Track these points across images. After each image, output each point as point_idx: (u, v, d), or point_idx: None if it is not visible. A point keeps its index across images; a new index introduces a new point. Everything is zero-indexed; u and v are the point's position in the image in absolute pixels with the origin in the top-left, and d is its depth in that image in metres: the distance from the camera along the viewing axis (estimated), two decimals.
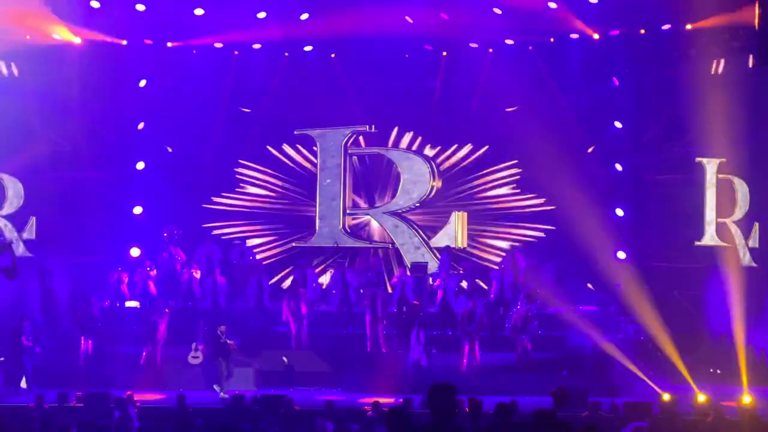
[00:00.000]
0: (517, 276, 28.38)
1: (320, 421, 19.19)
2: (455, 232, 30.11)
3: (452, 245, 29.95)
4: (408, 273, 28.95)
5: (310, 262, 29.36)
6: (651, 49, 28.50)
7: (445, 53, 30.20)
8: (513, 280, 28.25)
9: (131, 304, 28.08)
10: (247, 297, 28.30)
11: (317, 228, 30.59)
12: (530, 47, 29.70)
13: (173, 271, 28.83)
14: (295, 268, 28.97)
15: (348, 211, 30.67)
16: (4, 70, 28.40)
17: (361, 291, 27.96)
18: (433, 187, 30.36)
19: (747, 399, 22.38)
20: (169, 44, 29.97)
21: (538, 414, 10.61)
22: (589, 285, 29.09)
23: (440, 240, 30.18)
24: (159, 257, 29.17)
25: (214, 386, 24.72)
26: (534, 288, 27.09)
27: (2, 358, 25.54)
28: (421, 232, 30.47)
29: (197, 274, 28.32)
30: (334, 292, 28.35)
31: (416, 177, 30.42)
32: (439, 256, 29.66)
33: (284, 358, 25.97)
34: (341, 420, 19.37)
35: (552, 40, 29.43)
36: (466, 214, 30.32)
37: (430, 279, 29.07)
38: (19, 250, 28.41)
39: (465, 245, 30.21)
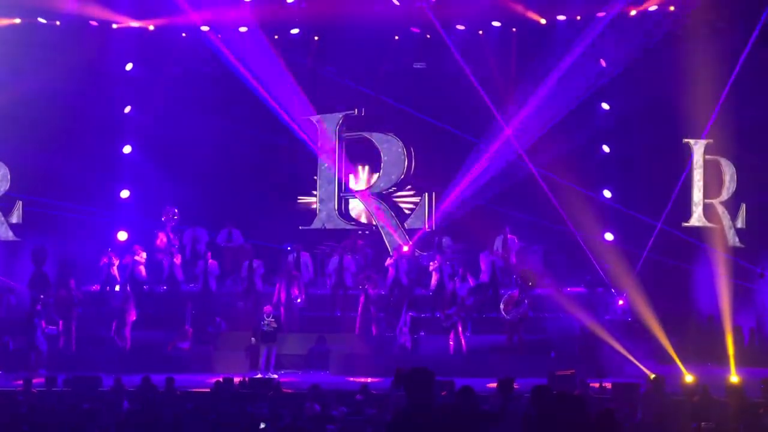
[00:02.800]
0: (509, 258, 28.38)
1: (309, 404, 19.21)
2: (425, 213, 30.29)
3: (424, 227, 30.07)
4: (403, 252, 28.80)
5: (303, 245, 29.32)
6: (638, 30, 28.46)
7: (428, 36, 30.11)
8: (504, 262, 28.24)
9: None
10: (239, 280, 28.32)
11: (318, 211, 30.65)
12: (514, 29, 29.63)
13: (161, 255, 28.86)
14: (290, 251, 28.92)
15: (341, 194, 30.77)
16: None
17: (357, 274, 27.99)
18: (408, 168, 30.40)
19: (734, 379, 22.45)
20: (151, 27, 29.80)
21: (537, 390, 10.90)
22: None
23: (413, 222, 30.32)
24: (158, 240, 29.18)
25: (259, 374, 24.62)
26: (527, 270, 27.10)
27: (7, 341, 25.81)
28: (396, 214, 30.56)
29: (177, 260, 28.34)
30: (330, 275, 28.33)
31: (394, 158, 30.52)
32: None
33: (252, 339, 25.87)
34: (330, 402, 19.39)
35: (543, 21, 29.28)
36: (435, 194, 30.39)
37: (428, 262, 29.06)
38: (8, 235, 28.50)
39: (433, 227, 30.26)
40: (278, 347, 25.68)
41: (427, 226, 30.20)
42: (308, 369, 26.12)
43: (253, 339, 25.72)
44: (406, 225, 30.36)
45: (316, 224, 30.59)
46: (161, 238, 29.03)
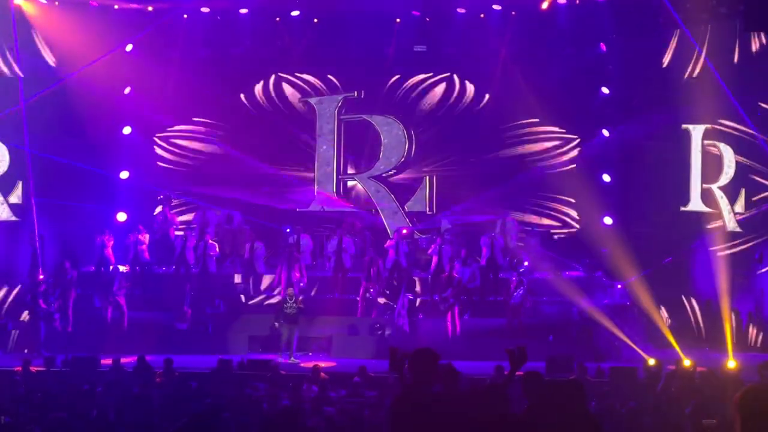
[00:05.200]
0: (508, 242, 28.40)
1: (306, 386, 19.27)
2: (426, 196, 30.31)
3: (425, 210, 30.10)
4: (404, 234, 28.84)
5: (305, 227, 29.32)
6: (638, 14, 28.41)
7: (428, 19, 30.08)
8: (504, 245, 28.24)
9: (122, 268, 28.04)
10: (241, 262, 28.31)
11: (315, 193, 30.64)
12: (513, 12, 29.56)
13: (166, 236, 28.87)
14: (290, 233, 28.92)
15: (340, 176, 30.77)
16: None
17: (357, 256, 27.98)
18: (409, 151, 30.40)
19: (732, 364, 22.50)
20: (149, 8, 29.68)
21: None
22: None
23: (414, 204, 30.35)
24: (154, 222, 29.20)
25: (279, 356, 24.55)
26: (519, 254, 27.13)
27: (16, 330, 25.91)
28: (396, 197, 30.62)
29: (191, 242, 28.32)
30: (330, 257, 28.33)
31: (395, 141, 30.50)
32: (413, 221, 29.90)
33: (275, 323, 25.77)
34: (328, 385, 19.44)
35: (545, 6, 29.14)
36: (435, 177, 30.39)
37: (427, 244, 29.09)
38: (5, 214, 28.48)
39: (434, 210, 30.29)
40: (300, 330, 25.59)
41: (428, 210, 30.28)
42: (307, 351, 26.08)
43: (276, 323, 25.69)
44: (406, 208, 30.40)
45: (315, 207, 30.61)
46: (173, 219, 29.15)
